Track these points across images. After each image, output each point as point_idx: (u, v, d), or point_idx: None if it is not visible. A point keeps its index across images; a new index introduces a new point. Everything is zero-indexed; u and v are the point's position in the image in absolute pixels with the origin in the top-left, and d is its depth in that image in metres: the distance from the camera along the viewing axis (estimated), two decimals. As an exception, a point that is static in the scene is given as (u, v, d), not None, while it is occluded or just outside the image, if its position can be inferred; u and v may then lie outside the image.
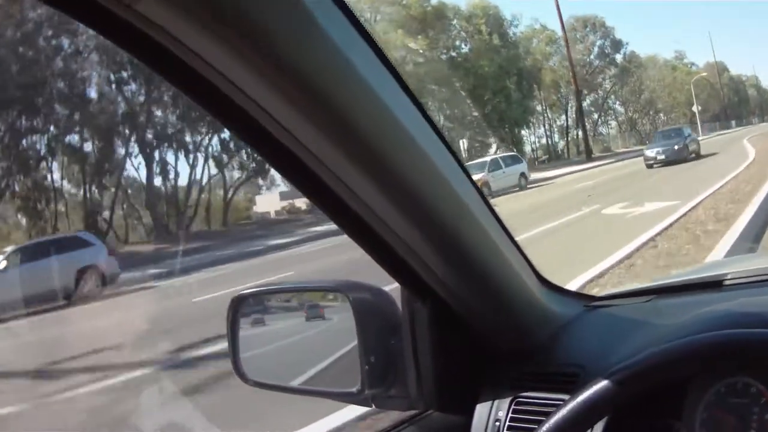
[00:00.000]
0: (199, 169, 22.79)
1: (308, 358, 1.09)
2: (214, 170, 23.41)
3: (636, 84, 51.24)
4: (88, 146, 20.55)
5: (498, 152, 27.07)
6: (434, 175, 0.80)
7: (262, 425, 3.59)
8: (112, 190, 20.92)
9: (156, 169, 21.65)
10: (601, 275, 5.66)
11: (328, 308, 1.08)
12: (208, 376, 4.66)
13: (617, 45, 49.33)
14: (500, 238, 0.93)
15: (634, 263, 6.07)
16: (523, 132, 40.05)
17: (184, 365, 5.41)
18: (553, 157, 36.51)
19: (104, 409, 4.51)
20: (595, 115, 48.61)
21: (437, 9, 32.81)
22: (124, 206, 21.56)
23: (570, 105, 48.10)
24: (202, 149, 22.85)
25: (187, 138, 22.45)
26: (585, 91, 48.37)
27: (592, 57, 48.25)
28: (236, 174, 24.22)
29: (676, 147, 20.44)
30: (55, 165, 20.13)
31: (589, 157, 34.14)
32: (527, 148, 39.13)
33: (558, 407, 0.77)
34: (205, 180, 23.00)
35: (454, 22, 35.51)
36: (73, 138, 20.31)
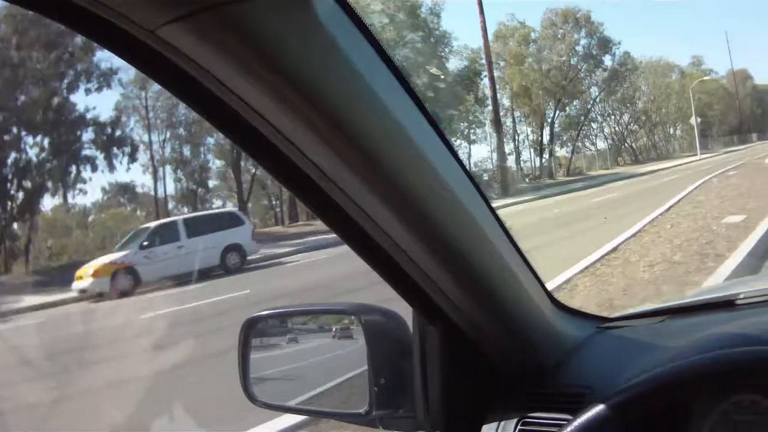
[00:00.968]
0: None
1: (318, 380, 1.12)
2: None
3: (628, 91, 42.95)
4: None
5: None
6: (451, 202, 0.80)
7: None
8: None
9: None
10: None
11: (343, 330, 1.10)
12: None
13: (606, 45, 41.02)
14: (515, 261, 0.93)
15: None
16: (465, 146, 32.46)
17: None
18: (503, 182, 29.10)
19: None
20: (578, 128, 40.80)
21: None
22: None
23: (548, 116, 39.96)
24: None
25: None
26: (564, 100, 39.91)
27: (575, 59, 40.14)
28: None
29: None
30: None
31: (505, 190, 26.31)
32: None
33: (561, 428, 0.79)
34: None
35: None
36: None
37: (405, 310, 1.00)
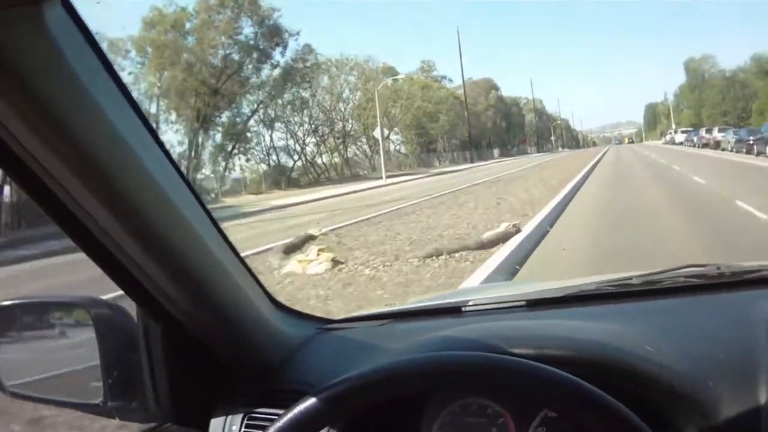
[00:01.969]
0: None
1: (54, 370, 1.11)
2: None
3: (306, 94, 34.85)
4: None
5: None
6: (164, 201, 0.83)
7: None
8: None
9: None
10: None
11: (73, 323, 1.10)
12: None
13: (277, 34, 32.01)
14: (231, 262, 0.97)
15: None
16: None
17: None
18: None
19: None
20: (233, 140, 31.70)
21: None
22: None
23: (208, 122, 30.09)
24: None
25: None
26: (220, 104, 29.74)
27: (235, 52, 30.68)
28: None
29: None
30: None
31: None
32: None
33: (273, 422, 0.81)
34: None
35: None
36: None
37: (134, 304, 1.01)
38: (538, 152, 68.77)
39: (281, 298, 1.18)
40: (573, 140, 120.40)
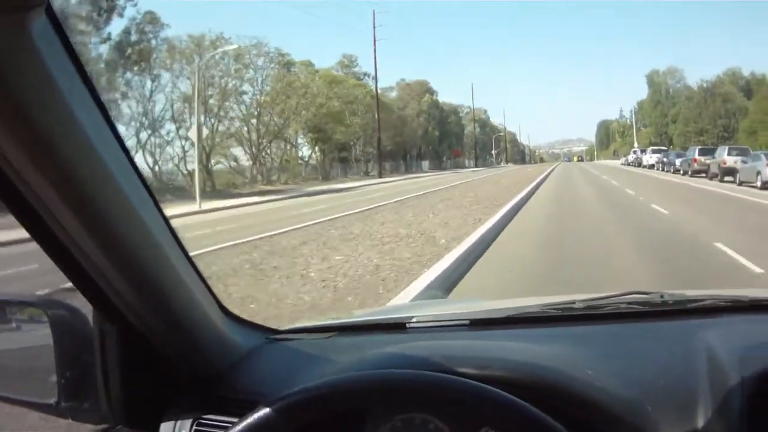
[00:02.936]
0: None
1: (11, 368, 1.11)
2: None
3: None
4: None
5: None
6: (127, 207, 0.85)
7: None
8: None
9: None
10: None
11: (30, 322, 1.10)
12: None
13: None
14: (184, 269, 0.99)
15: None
16: None
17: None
18: None
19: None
20: None
21: None
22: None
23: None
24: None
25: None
26: None
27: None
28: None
29: None
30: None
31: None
32: None
33: (225, 429, 0.84)
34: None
35: None
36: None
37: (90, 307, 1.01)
38: (476, 166, 61.70)
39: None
40: (519, 154, 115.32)
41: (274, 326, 1.31)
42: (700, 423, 0.88)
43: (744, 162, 21.13)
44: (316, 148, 34.84)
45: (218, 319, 1.08)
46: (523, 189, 19.55)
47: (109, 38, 21.50)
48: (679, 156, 33.12)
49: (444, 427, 0.94)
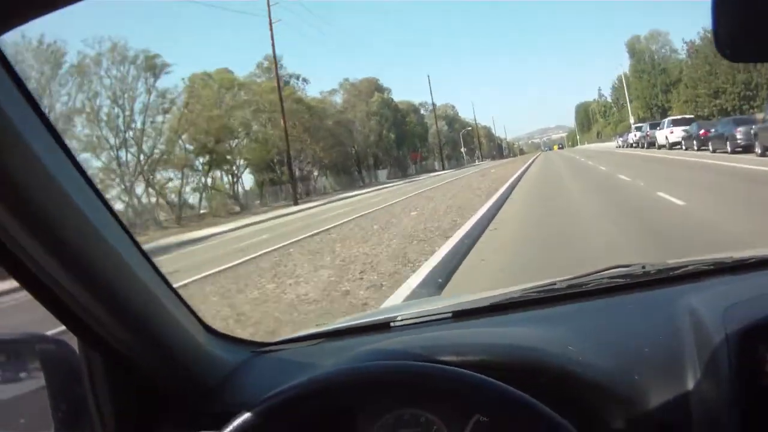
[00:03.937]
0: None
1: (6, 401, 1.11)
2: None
3: None
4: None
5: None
6: (98, 236, 0.86)
7: None
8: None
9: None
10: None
11: (21, 358, 1.10)
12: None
13: None
14: (161, 290, 1.00)
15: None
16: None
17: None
18: None
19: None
20: None
21: None
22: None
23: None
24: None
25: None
26: None
27: None
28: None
29: None
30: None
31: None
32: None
33: None
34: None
35: None
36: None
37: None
38: (444, 168, 54.09)
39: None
40: (496, 149, 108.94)
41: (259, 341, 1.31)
42: (690, 384, 0.90)
43: None
44: (216, 173, 27.78)
45: (201, 337, 1.11)
46: (475, 210, 11.35)
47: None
48: (735, 124, 18.92)
49: (434, 418, 0.95)
